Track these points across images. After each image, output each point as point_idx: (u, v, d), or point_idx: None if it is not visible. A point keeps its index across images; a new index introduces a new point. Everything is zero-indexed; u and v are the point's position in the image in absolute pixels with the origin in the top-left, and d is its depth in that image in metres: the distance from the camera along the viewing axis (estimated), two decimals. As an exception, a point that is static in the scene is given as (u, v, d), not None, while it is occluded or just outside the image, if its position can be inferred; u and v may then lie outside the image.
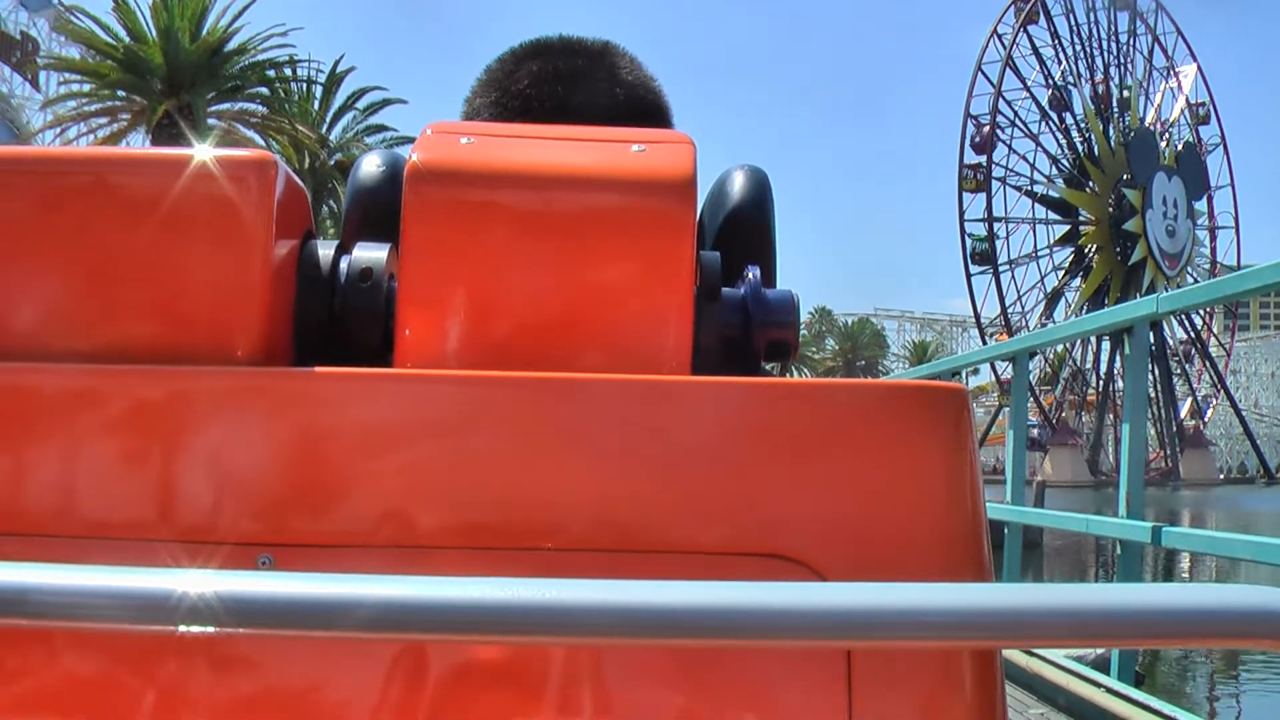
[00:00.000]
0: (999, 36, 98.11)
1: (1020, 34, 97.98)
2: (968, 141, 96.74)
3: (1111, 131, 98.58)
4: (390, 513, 1.25)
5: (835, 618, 0.86)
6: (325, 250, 1.43)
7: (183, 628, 0.87)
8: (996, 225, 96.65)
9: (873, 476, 1.27)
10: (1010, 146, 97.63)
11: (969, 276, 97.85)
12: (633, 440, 1.26)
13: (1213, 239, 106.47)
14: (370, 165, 1.75)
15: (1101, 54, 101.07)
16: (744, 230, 1.73)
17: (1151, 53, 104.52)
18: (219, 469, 1.26)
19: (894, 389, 1.33)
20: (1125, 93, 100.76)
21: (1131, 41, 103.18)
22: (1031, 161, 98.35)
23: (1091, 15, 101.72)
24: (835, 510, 1.26)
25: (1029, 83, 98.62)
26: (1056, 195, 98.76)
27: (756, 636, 0.89)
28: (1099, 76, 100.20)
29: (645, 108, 1.90)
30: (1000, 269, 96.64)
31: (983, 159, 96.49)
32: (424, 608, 0.86)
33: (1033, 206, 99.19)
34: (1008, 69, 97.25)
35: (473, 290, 1.36)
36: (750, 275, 1.50)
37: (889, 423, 1.28)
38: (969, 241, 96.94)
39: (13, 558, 1.09)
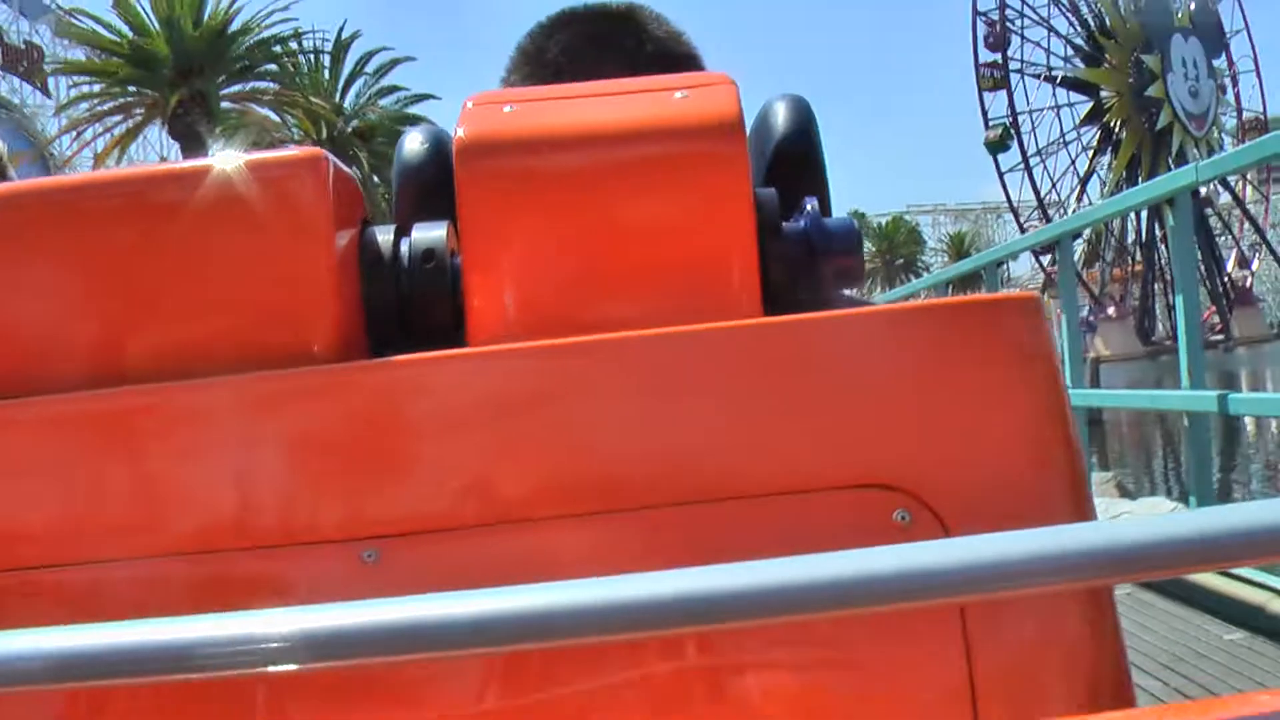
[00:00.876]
0: None
1: None
2: (980, 40, 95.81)
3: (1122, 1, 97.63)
4: (486, 490, 1.25)
5: (953, 575, 0.85)
6: (384, 235, 1.43)
7: (293, 665, 0.85)
8: (1021, 117, 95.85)
9: (959, 396, 1.27)
10: (1024, 36, 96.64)
11: (1000, 173, 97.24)
12: (718, 389, 1.26)
13: (1235, 85, 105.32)
14: (414, 143, 1.75)
15: None
16: (794, 162, 1.72)
17: None
18: (311, 468, 1.27)
19: (970, 306, 1.33)
20: None
21: None
22: (1047, 47, 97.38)
23: None
24: (926, 433, 1.26)
25: None
26: (1075, 77, 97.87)
27: (880, 602, 0.89)
28: None
29: (677, 59, 1.90)
30: (1031, 161, 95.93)
31: (998, 56, 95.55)
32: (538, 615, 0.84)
33: (1054, 92, 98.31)
34: None
35: (536, 257, 1.36)
36: (809, 207, 1.49)
37: (969, 341, 1.28)
38: (988, 133, 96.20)
39: (128, 582, 1.11)
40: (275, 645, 0.85)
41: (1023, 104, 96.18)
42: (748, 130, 1.51)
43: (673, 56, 1.89)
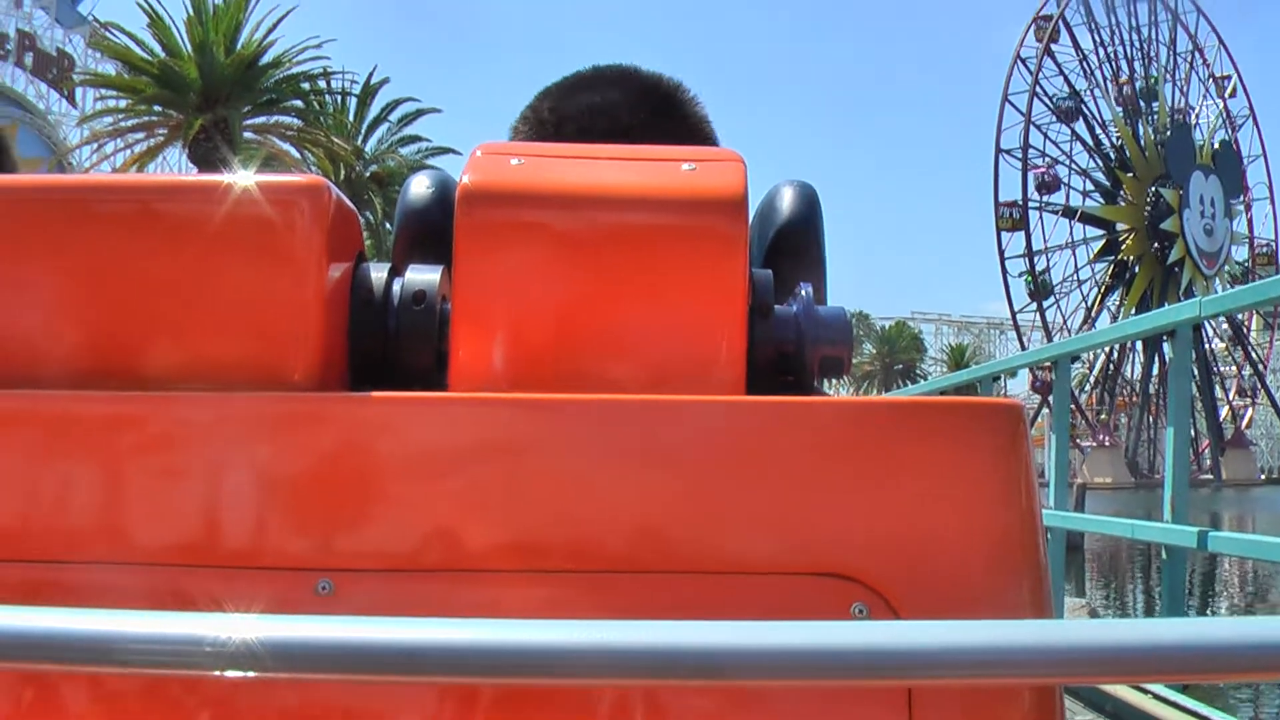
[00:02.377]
0: (1023, 61, 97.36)
1: (1044, 57, 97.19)
2: (1002, 181, 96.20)
3: (1142, 129, 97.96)
4: (447, 536, 1.25)
5: (904, 657, 0.86)
6: (378, 273, 1.43)
7: (231, 672, 0.87)
8: (1037, 256, 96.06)
9: (929, 494, 1.27)
10: (1045, 170, 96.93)
11: (1014, 313, 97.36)
12: (690, 461, 1.25)
13: (1248, 211, 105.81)
14: (419, 186, 1.76)
15: (1125, 51, 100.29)
16: (795, 246, 1.72)
17: (1174, 36, 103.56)
18: (277, 493, 1.27)
19: (951, 406, 1.33)
20: (1151, 82, 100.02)
21: (1153, 32, 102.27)
22: (1066, 181, 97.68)
23: (1112, 15, 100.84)
24: (894, 529, 1.25)
25: (1056, 102, 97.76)
26: (1093, 212, 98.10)
27: (822, 676, 0.89)
28: (1124, 76, 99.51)
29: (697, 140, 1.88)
30: (1045, 306, 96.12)
31: (1017, 196, 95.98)
32: (475, 650, 0.86)
33: (1070, 228, 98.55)
34: (1035, 97, 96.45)
35: (526, 311, 1.36)
36: (803, 292, 1.49)
37: (946, 440, 1.28)
38: (1015, 280, 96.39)
39: (82, 585, 1.10)
40: (210, 650, 0.86)
41: (1038, 239, 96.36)
42: (753, 210, 1.51)
43: (692, 131, 1.88)
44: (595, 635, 0.86)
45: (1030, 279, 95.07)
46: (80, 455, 1.29)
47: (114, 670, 0.91)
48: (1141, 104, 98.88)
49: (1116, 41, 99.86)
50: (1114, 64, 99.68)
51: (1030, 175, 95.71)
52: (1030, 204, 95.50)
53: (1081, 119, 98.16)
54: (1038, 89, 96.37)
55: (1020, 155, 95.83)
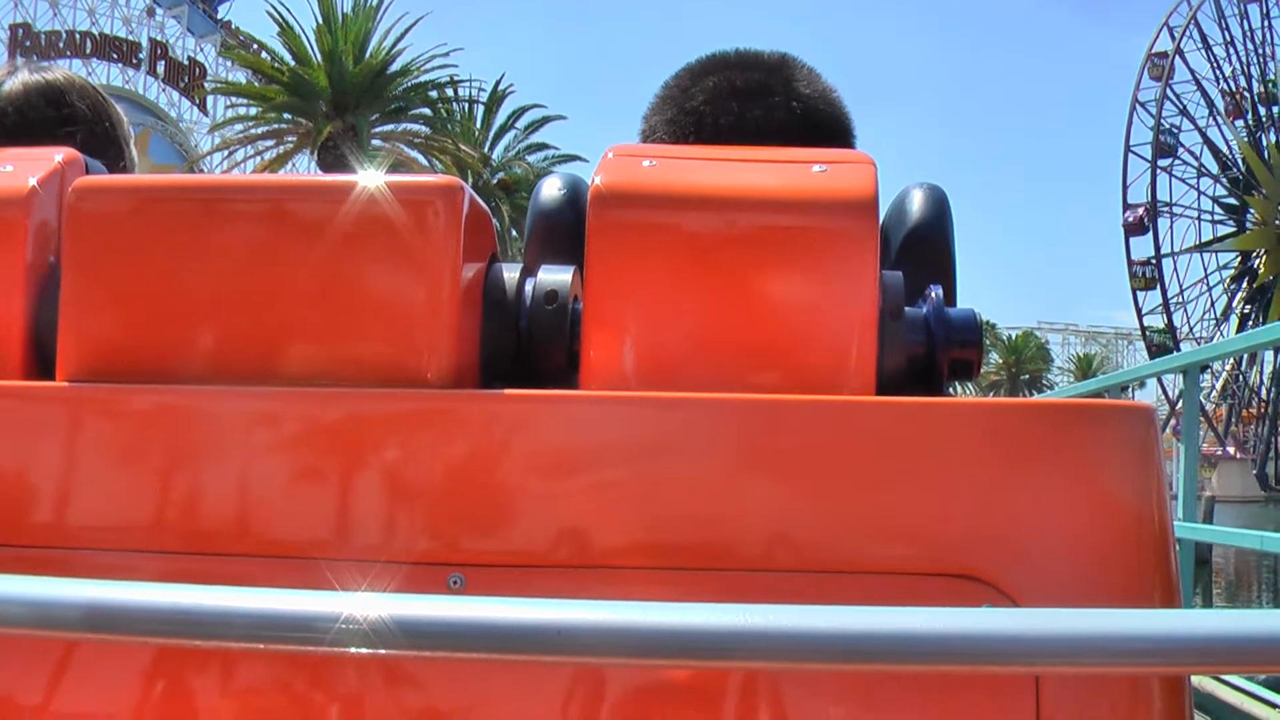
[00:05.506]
0: (1142, 105, 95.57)
1: (1164, 101, 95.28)
2: (1129, 232, 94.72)
3: (1265, 140, 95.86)
4: (577, 533, 1.26)
5: (1030, 644, 0.86)
6: (510, 273, 1.45)
7: (365, 649, 0.89)
8: (1165, 260, 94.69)
9: (1061, 497, 1.26)
10: (1172, 174, 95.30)
11: (1143, 325, 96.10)
12: (821, 461, 1.26)
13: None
14: (551, 188, 1.77)
15: (1243, 65, 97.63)
16: (924, 249, 1.72)
17: None
18: (412, 488, 1.28)
19: (1082, 409, 1.33)
20: (1270, 85, 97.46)
21: (1269, 32, 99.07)
22: (1196, 186, 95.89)
23: (1225, 32, 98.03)
24: (1024, 531, 1.25)
25: (1165, 139, 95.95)
26: (1225, 248, 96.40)
27: (950, 662, 0.89)
28: (1241, 86, 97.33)
29: (824, 120, 1.89)
30: (1171, 304, 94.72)
31: (1151, 255, 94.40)
32: (622, 632, 0.88)
33: (1199, 231, 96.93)
34: (1159, 146, 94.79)
35: (656, 311, 1.36)
36: (933, 294, 1.49)
37: (1078, 443, 1.27)
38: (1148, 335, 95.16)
39: (218, 576, 1.13)
40: (343, 628, 0.88)
41: (1167, 245, 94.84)
42: (883, 212, 1.51)
43: (819, 118, 1.88)
44: (744, 619, 0.87)
45: (1165, 335, 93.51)
46: (219, 450, 1.31)
47: (252, 646, 0.94)
48: (1261, 111, 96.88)
49: (1233, 57, 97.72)
50: (1234, 80, 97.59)
51: (1159, 220, 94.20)
52: (1159, 208, 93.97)
53: (1206, 146, 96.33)
54: (1161, 132, 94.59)
55: (1148, 211, 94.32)
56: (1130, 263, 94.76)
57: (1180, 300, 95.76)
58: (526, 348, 1.43)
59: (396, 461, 1.29)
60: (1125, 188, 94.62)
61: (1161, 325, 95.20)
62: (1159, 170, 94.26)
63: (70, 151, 1.56)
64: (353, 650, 0.88)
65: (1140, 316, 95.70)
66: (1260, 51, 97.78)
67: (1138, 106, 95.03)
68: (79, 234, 1.36)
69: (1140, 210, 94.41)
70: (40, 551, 1.28)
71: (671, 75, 1.96)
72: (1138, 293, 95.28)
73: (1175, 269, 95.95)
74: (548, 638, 0.88)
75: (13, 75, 2.05)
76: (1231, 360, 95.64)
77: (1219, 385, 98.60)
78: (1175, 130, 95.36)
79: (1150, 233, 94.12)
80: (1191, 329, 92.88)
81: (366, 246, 1.33)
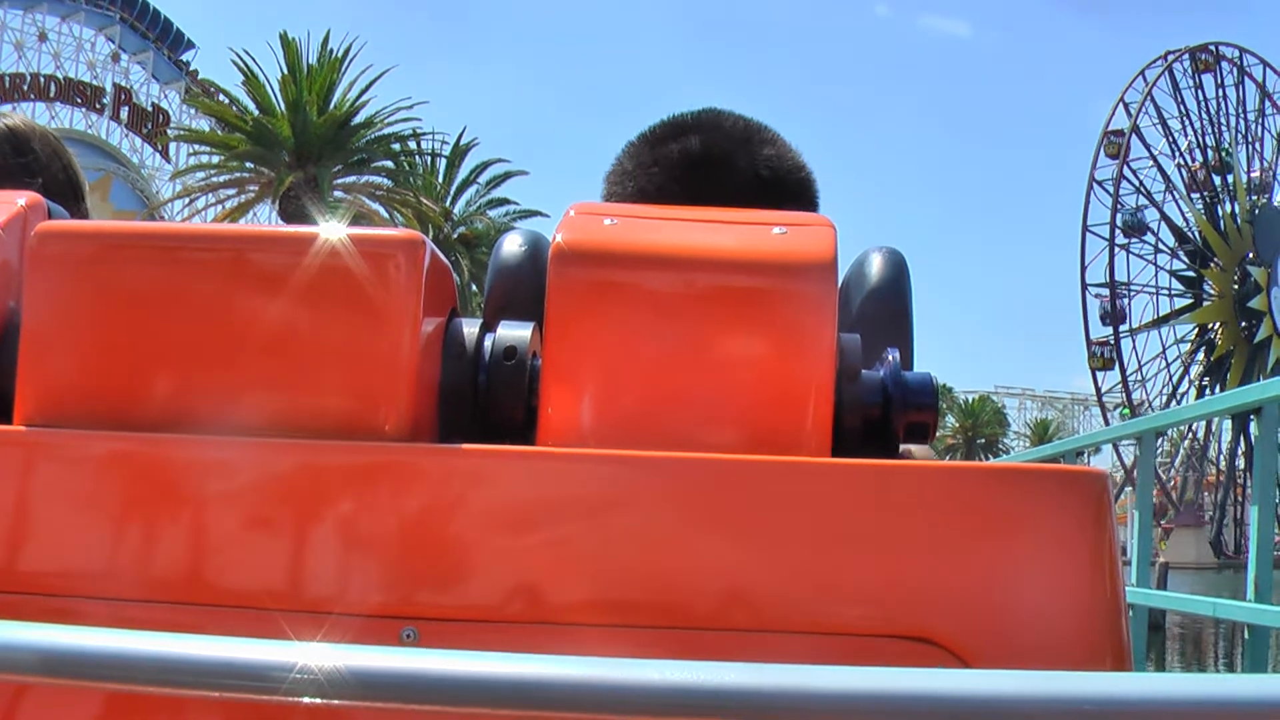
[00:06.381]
0: (1099, 184, 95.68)
1: (1120, 180, 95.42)
2: (1091, 316, 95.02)
3: (1222, 211, 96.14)
4: (532, 589, 1.26)
5: (980, 704, 0.85)
6: (470, 328, 1.45)
7: (313, 699, 0.88)
8: (1123, 337, 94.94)
9: (1015, 560, 1.28)
10: (1130, 252, 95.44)
11: (1099, 391, 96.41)
12: (776, 521, 1.26)
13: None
14: (512, 244, 1.78)
15: (1198, 137, 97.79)
16: (883, 312, 1.73)
17: (1242, 96, 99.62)
18: (367, 541, 1.29)
19: (1037, 473, 1.34)
20: (1224, 155, 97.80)
21: (1222, 102, 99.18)
22: (1154, 261, 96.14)
23: (1181, 105, 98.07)
24: (978, 594, 1.26)
25: (1125, 219, 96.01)
26: (1182, 321, 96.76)
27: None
28: (1196, 162, 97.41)
29: (786, 186, 1.89)
30: (1130, 382, 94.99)
31: (1109, 332, 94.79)
32: (560, 686, 0.87)
33: (1156, 306, 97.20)
34: (1116, 226, 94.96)
35: (616, 369, 1.37)
36: (890, 357, 1.50)
37: (1031, 507, 1.28)
38: (1112, 413, 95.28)
39: (167, 625, 1.13)
40: (298, 677, 0.87)
41: (1125, 324, 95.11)
42: (842, 274, 1.53)
43: (780, 181, 1.88)
44: (696, 676, 0.86)
45: (1126, 410, 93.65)
46: (175, 498, 1.31)
47: (202, 694, 0.94)
48: (1215, 179, 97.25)
49: (1189, 129, 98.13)
50: (1190, 155, 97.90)
51: (1117, 303, 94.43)
52: (1118, 289, 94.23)
53: (1163, 222, 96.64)
54: (1122, 211, 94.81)
55: (1107, 288, 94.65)
56: (1089, 342, 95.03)
57: (1140, 377, 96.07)
58: (484, 403, 1.43)
59: (353, 513, 1.29)
60: (1084, 268, 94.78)
61: (1120, 400, 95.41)
62: (1117, 248, 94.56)
63: (33, 195, 1.56)
64: (305, 700, 0.88)
65: (1100, 396, 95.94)
66: (1215, 121, 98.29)
67: (1094, 185, 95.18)
68: (41, 278, 1.36)
69: (1106, 295, 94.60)
70: None
71: (636, 136, 1.96)
72: (1096, 372, 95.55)
73: (1134, 345, 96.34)
74: (502, 690, 0.89)
75: None
76: (1189, 431, 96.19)
77: (1179, 455, 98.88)
78: (1139, 210, 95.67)
79: (1106, 312, 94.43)
80: (1150, 404, 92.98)
81: (327, 298, 1.34)
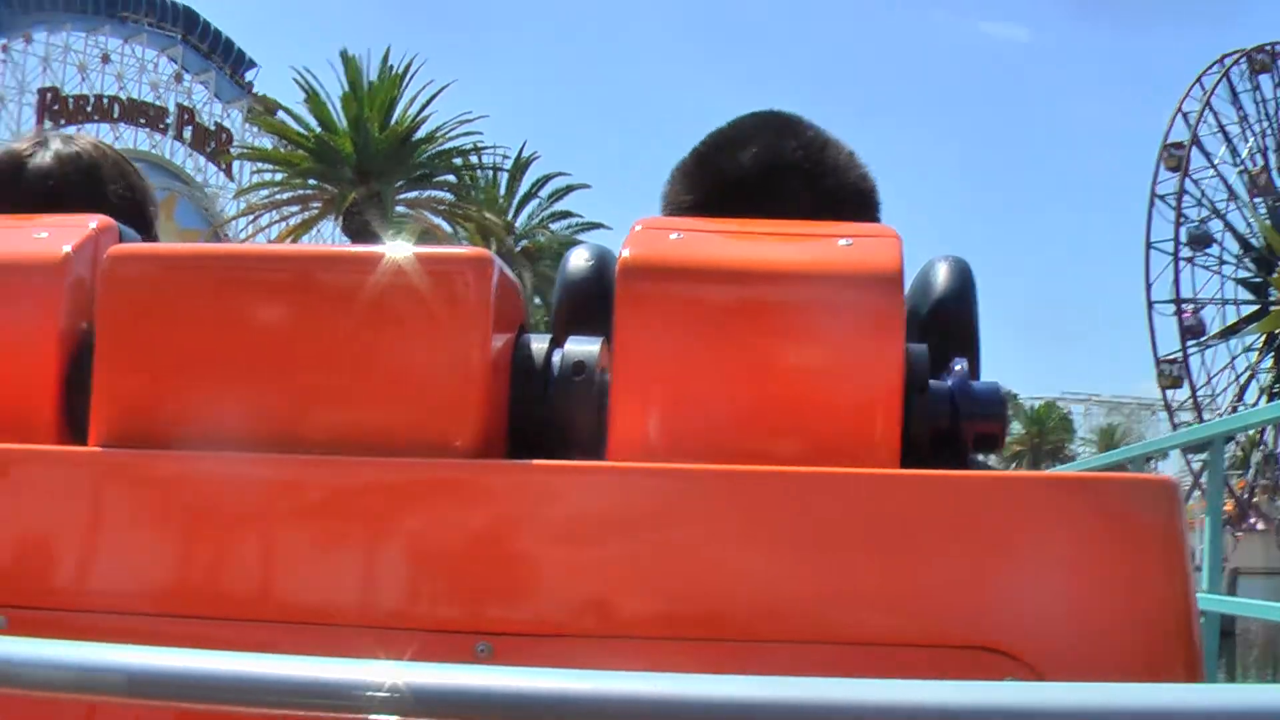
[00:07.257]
0: (1160, 198, 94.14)
1: (1182, 194, 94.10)
2: (1160, 331, 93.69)
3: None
4: (604, 603, 1.27)
5: (1054, 718, 0.84)
6: (538, 344, 1.46)
7: (396, 716, 0.88)
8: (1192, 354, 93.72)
9: (1082, 569, 1.27)
10: (1193, 263, 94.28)
11: (1166, 399, 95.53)
12: (846, 533, 1.26)
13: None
14: (579, 259, 1.78)
15: (1259, 140, 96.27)
16: (949, 322, 1.72)
17: None
18: (439, 556, 1.29)
19: (1104, 482, 1.33)
20: None
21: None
22: (1219, 271, 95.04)
23: (1239, 109, 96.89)
24: (1047, 604, 1.25)
25: (1190, 231, 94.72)
26: (1249, 331, 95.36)
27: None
28: (1258, 166, 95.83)
29: (851, 196, 1.88)
30: (1200, 399, 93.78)
31: (1177, 348, 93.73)
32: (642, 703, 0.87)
33: (1223, 317, 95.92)
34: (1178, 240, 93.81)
35: (684, 383, 1.37)
36: (957, 368, 1.50)
37: (1099, 516, 1.28)
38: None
39: (237, 642, 1.14)
40: (376, 694, 0.88)
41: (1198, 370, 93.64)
42: (907, 285, 1.53)
43: (845, 191, 1.88)
44: (771, 691, 0.87)
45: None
46: (247, 516, 1.32)
47: (286, 713, 0.94)
48: (1277, 182, 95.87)
49: (1249, 133, 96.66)
50: (1251, 159, 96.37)
51: (1193, 316, 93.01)
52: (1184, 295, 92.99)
53: (1228, 232, 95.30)
54: (1182, 229, 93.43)
55: (1173, 303, 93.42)
56: (1157, 361, 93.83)
57: (1210, 392, 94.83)
58: (554, 418, 1.44)
59: (425, 529, 1.30)
60: (1149, 285, 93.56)
61: (1193, 419, 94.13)
62: (1181, 262, 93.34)
63: (104, 219, 1.58)
64: (384, 718, 0.89)
65: (1171, 414, 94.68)
66: (1275, 121, 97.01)
67: (1156, 200, 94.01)
68: (113, 300, 1.38)
69: (1172, 313, 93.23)
70: (66, 615, 1.29)
71: (699, 142, 1.95)
72: (1166, 391, 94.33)
73: (1203, 360, 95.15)
74: (579, 708, 0.89)
75: (44, 147, 2.08)
76: (1260, 437, 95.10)
77: (1253, 468, 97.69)
78: (1203, 223, 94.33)
79: (1177, 329, 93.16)
80: (1221, 415, 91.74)
81: (396, 316, 1.35)
